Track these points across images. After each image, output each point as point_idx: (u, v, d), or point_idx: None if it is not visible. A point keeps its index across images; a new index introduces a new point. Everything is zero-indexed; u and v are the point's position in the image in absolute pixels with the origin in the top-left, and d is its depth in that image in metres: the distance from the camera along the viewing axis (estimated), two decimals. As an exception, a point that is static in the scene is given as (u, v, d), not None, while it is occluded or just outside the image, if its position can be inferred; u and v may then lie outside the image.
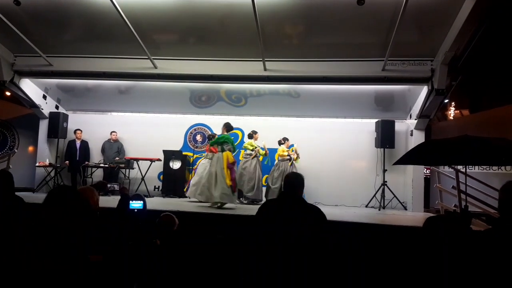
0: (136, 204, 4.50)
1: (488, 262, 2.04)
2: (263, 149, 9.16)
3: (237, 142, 9.97)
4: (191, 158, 10.05)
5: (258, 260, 2.86)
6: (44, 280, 2.30)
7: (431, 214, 8.26)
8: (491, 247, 2.07)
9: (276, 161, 9.16)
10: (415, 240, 2.43)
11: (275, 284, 2.76)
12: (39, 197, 8.50)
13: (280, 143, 9.24)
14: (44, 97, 9.94)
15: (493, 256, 2.04)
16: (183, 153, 10.02)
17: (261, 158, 9.18)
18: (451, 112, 17.74)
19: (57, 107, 10.38)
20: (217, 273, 2.88)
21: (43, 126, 10.22)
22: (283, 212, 2.95)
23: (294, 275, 2.71)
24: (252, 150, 8.98)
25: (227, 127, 8.18)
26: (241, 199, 8.94)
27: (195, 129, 10.54)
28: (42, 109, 9.91)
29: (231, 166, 7.74)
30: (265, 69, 8.11)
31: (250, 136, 9.26)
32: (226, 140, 7.88)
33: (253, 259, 2.91)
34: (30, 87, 9.50)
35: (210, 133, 10.01)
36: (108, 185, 8.37)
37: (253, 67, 8.19)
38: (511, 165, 5.52)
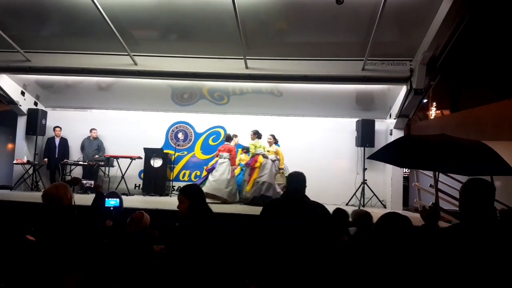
0: (112, 202, 4.48)
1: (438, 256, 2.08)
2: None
3: (219, 141, 10.02)
4: (173, 156, 9.99)
5: (262, 258, 2.86)
6: None
7: (409, 212, 8.41)
8: (444, 242, 2.11)
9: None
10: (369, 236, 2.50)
11: (280, 281, 2.76)
12: (16, 195, 8.39)
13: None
14: (23, 93, 9.76)
15: (445, 250, 2.08)
16: (165, 151, 9.94)
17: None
18: (432, 112, 18.04)
19: (35, 104, 10.20)
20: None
21: (21, 123, 10.03)
22: (288, 210, 2.96)
23: (299, 272, 2.72)
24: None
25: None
26: None
27: (176, 127, 10.45)
28: (20, 105, 9.72)
29: None
30: (246, 67, 8.10)
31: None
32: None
33: (257, 256, 2.90)
34: (8, 83, 9.33)
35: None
36: (83, 182, 8.26)
37: (235, 65, 8.18)
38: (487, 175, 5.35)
